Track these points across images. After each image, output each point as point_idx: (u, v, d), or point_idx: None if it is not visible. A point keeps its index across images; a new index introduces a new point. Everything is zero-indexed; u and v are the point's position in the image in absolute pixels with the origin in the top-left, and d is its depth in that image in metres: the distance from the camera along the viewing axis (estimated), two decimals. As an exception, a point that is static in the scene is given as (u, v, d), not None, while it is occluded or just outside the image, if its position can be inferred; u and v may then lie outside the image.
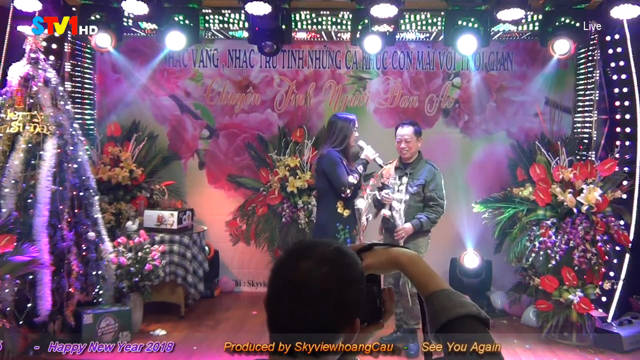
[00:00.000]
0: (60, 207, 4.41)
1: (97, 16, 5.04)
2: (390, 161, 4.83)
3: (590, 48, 5.61)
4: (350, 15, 5.44)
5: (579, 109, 5.89)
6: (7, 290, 4.06)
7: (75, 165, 4.59)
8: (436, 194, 4.56)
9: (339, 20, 5.64)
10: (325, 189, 4.49)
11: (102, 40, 5.20)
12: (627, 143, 5.26)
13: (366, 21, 5.09)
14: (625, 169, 5.18)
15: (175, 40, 5.24)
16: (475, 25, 5.08)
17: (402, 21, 5.42)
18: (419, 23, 5.59)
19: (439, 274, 1.22)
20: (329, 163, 4.41)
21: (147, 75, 6.32)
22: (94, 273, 4.61)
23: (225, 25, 5.68)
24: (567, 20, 5.01)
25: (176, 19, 5.15)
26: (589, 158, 5.24)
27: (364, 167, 4.50)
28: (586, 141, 5.61)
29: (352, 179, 4.36)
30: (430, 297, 1.17)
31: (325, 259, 1.12)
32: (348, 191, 4.36)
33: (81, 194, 4.60)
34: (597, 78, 5.53)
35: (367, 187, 4.68)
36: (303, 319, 1.09)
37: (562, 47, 5.15)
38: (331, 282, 1.10)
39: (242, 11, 5.05)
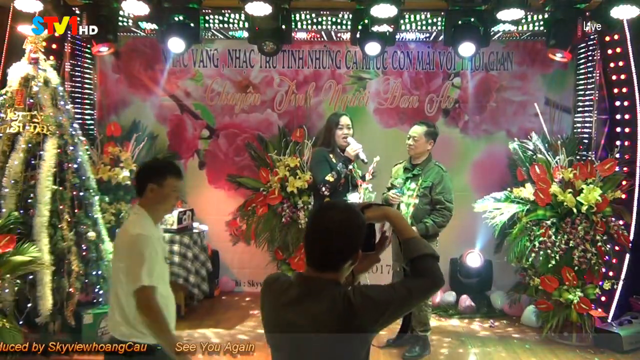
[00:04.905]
0: (60, 207, 4.41)
1: (97, 16, 5.04)
2: (401, 160, 4.83)
3: (590, 48, 5.61)
4: (350, 15, 5.43)
5: (579, 109, 5.90)
6: (7, 290, 4.06)
7: (75, 165, 4.58)
8: (443, 197, 4.53)
9: (339, 20, 5.63)
10: (315, 187, 4.60)
11: (102, 46, 5.31)
12: (627, 143, 5.26)
13: (366, 21, 5.08)
14: (625, 169, 5.18)
15: (176, 44, 5.24)
16: (475, 25, 5.08)
17: (402, 21, 5.42)
18: (419, 23, 5.59)
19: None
20: (312, 161, 4.66)
21: (147, 75, 6.33)
22: (94, 273, 4.61)
23: (225, 25, 5.67)
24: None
25: (176, 19, 5.15)
26: (589, 158, 5.24)
27: (345, 164, 4.42)
28: (586, 141, 5.61)
29: (329, 177, 4.37)
30: (407, 240, 1.84)
31: (342, 212, 1.76)
32: (324, 189, 4.39)
33: (81, 194, 4.60)
34: (597, 78, 5.53)
35: (362, 183, 4.65)
36: (329, 249, 1.73)
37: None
38: (346, 227, 1.73)
39: (242, 11, 5.05)
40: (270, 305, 1.82)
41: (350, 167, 4.51)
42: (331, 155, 4.49)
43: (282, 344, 1.78)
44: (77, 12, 5.10)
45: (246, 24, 5.45)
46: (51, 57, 4.76)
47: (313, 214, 1.84)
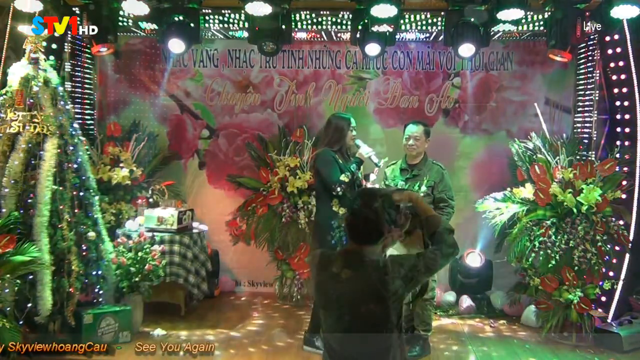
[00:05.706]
0: (61, 207, 4.41)
1: (97, 16, 5.04)
2: (393, 161, 4.84)
3: (590, 48, 5.61)
4: (350, 15, 5.43)
5: (579, 109, 5.89)
6: (7, 290, 4.05)
7: (75, 165, 4.58)
8: (446, 195, 4.57)
9: (339, 20, 5.63)
10: (322, 187, 4.57)
11: (102, 46, 5.32)
12: (627, 143, 5.26)
13: (366, 21, 5.08)
14: (625, 169, 5.18)
15: (176, 45, 5.24)
16: (475, 25, 5.07)
17: (402, 21, 5.42)
18: (419, 23, 5.59)
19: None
20: (322, 162, 4.54)
21: (147, 75, 6.33)
22: (94, 273, 4.61)
23: (225, 25, 5.67)
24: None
25: (176, 19, 5.14)
26: (589, 158, 5.24)
27: (358, 165, 4.53)
28: (586, 141, 5.61)
29: (344, 177, 4.41)
30: (427, 218, 2.25)
31: (378, 196, 2.17)
32: (338, 189, 4.41)
33: (81, 194, 4.60)
34: (597, 78, 5.53)
35: (367, 184, 4.68)
36: (368, 227, 2.14)
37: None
38: (381, 208, 2.14)
39: (242, 11, 5.05)
40: (319, 276, 2.24)
41: None
42: (337, 156, 4.52)
43: (331, 307, 2.17)
44: (77, 12, 5.10)
45: (246, 24, 5.45)
46: (51, 57, 4.75)
47: (354, 199, 2.25)
